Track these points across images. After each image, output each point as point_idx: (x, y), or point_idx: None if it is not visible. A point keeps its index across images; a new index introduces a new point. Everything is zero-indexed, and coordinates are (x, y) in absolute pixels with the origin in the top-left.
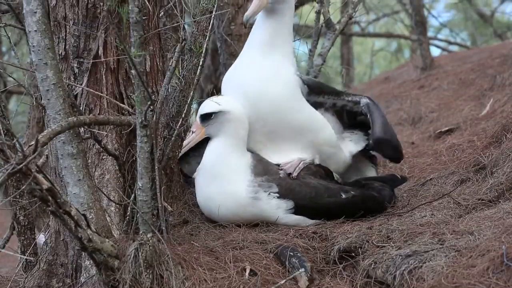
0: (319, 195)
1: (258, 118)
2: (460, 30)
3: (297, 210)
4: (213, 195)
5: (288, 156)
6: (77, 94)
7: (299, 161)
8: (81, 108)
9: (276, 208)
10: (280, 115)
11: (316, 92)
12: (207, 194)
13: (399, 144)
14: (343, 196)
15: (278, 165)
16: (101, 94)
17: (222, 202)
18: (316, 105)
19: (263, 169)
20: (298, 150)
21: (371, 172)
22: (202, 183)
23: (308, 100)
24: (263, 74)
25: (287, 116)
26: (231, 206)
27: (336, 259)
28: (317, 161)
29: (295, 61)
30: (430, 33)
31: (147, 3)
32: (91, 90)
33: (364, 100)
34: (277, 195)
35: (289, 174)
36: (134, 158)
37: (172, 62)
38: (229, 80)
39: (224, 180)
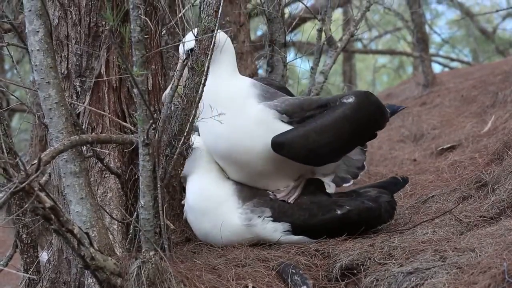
0: (313, 215)
1: (241, 167)
2: (462, 46)
3: (294, 230)
4: (208, 230)
5: (280, 184)
6: (79, 112)
7: (294, 188)
8: (83, 126)
9: (273, 231)
10: (261, 158)
11: (298, 115)
12: (202, 230)
13: (316, 149)
14: (338, 212)
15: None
16: (104, 113)
17: (219, 235)
18: (305, 119)
19: (250, 192)
20: (290, 175)
21: (359, 156)
22: (194, 221)
23: (292, 122)
24: (224, 130)
25: (268, 156)
26: (228, 236)
27: (338, 277)
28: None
29: (256, 91)
30: (432, 50)
31: (149, 22)
32: (94, 108)
33: (346, 98)
34: (271, 218)
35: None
36: (136, 176)
37: (174, 81)
38: (205, 143)
39: (214, 214)
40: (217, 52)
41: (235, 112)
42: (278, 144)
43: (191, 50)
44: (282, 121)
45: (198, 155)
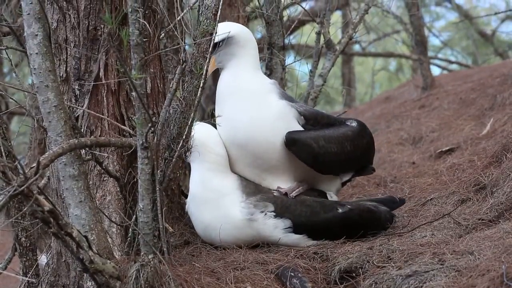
0: (315, 213)
1: (254, 159)
2: (461, 49)
3: (295, 228)
4: (208, 221)
5: (284, 183)
6: (78, 116)
7: (298, 185)
8: (82, 130)
9: (273, 228)
10: (275, 152)
11: (312, 123)
12: (204, 222)
13: (322, 155)
14: (340, 210)
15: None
16: (102, 116)
17: (220, 227)
18: (315, 129)
19: (255, 188)
20: (295, 178)
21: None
22: (195, 212)
23: (305, 127)
24: (246, 118)
25: (282, 150)
26: (228, 229)
27: (337, 280)
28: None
29: (276, 89)
30: (430, 53)
31: (147, 25)
32: (92, 112)
33: (349, 122)
34: (274, 214)
35: (286, 194)
36: (135, 180)
37: (172, 84)
38: (219, 131)
39: (216, 205)
40: (239, 46)
41: (257, 103)
42: (292, 140)
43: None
44: (299, 122)
45: (194, 145)
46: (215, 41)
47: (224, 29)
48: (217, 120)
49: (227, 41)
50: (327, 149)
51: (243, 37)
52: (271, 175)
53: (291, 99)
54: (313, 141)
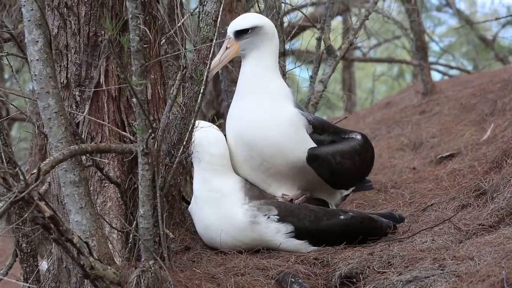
0: (319, 218)
1: (261, 161)
2: (462, 54)
3: (297, 234)
4: (209, 221)
5: (289, 191)
6: (79, 122)
7: (302, 193)
8: (83, 136)
9: (275, 232)
10: (283, 157)
11: (319, 132)
12: (205, 222)
13: (340, 170)
14: (342, 217)
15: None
16: (103, 122)
17: (221, 228)
18: (317, 143)
19: (259, 193)
20: (299, 186)
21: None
22: (197, 212)
23: (312, 136)
24: (260, 117)
25: (289, 157)
26: (230, 231)
27: (338, 285)
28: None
29: (292, 96)
30: (431, 58)
31: (148, 31)
32: (93, 118)
33: (354, 135)
34: (277, 217)
35: (291, 200)
36: (136, 186)
37: (173, 90)
38: (228, 127)
39: (218, 206)
40: (266, 39)
41: (274, 106)
42: (314, 156)
43: (239, 32)
44: (307, 131)
45: (193, 146)
46: (245, 27)
47: (255, 18)
48: (230, 113)
49: (256, 30)
50: (342, 165)
51: (272, 31)
52: (276, 182)
53: (301, 108)
54: (332, 157)
